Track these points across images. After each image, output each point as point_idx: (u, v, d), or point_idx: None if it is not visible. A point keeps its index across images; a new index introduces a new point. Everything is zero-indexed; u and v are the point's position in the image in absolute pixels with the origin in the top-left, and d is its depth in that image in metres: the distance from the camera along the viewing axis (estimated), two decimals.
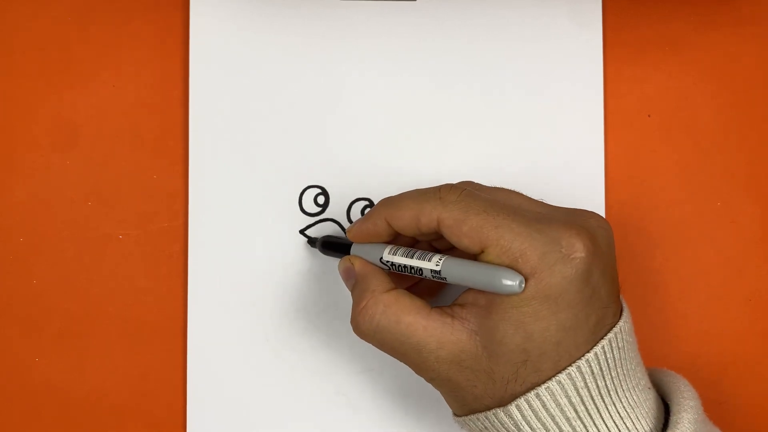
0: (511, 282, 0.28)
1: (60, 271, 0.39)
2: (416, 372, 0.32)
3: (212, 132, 0.39)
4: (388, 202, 0.33)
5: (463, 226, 0.30)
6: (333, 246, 0.36)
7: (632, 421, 0.30)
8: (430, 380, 0.32)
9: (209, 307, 0.38)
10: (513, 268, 0.29)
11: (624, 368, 0.30)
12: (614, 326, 0.30)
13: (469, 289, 0.31)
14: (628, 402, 0.30)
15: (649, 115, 0.39)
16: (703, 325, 0.39)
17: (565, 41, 0.39)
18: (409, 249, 0.32)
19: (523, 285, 0.28)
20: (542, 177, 0.38)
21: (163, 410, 0.39)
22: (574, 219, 0.30)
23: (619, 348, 0.30)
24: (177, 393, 0.39)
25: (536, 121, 0.39)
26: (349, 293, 0.34)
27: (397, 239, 0.34)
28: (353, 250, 0.35)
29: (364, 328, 0.32)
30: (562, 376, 0.29)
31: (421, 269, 0.31)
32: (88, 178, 0.39)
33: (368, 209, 0.39)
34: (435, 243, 0.35)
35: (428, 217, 0.31)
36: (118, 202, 0.39)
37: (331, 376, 0.38)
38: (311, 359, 0.38)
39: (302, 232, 0.39)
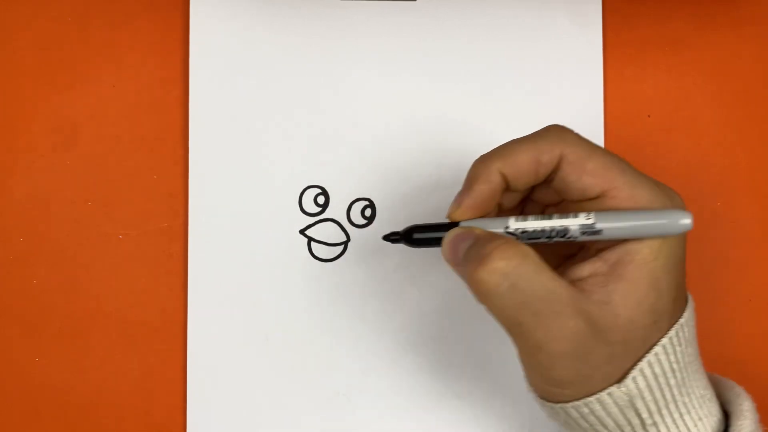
0: (687, 220, 0.27)
1: (60, 271, 0.39)
2: (538, 350, 0.27)
3: (212, 132, 0.39)
4: (494, 154, 0.29)
5: (588, 163, 0.28)
6: (429, 232, 0.31)
7: (711, 390, 0.30)
8: (556, 359, 0.27)
9: (209, 307, 0.38)
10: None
11: (694, 346, 0.30)
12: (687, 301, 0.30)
13: (580, 262, 0.28)
14: (702, 372, 0.30)
15: (649, 115, 0.39)
16: (703, 326, 0.39)
17: (565, 41, 0.39)
18: (535, 216, 0.29)
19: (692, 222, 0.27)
20: None
21: (163, 410, 0.39)
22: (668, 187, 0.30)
23: (692, 325, 0.30)
24: (177, 393, 0.39)
25: (536, 121, 0.38)
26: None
27: (499, 211, 0.31)
28: (464, 225, 0.30)
29: (501, 271, 0.27)
30: (670, 334, 0.28)
31: (566, 228, 0.28)
32: (88, 178, 0.39)
33: (368, 209, 0.39)
34: (531, 203, 0.32)
35: (549, 154, 0.28)
36: (118, 202, 0.39)
37: (331, 376, 0.38)
38: (311, 359, 0.38)
39: (302, 232, 0.39)
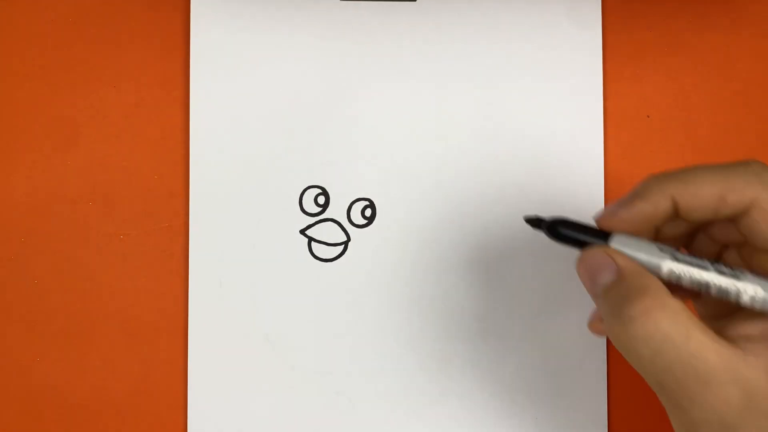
0: None
1: (60, 271, 0.39)
2: (683, 414, 0.25)
3: (212, 132, 0.39)
4: (672, 176, 0.26)
5: None
6: (575, 230, 0.28)
7: None
8: (702, 427, 0.24)
9: (209, 307, 0.38)
10: None
11: None
12: None
13: (751, 319, 0.25)
14: None
15: (648, 116, 0.39)
16: None
17: (565, 41, 0.39)
18: (701, 259, 0.26)
19: None
20: (542, 177, 0.39)
21: (163, 410, 0.39)
22: None
23: None
24: (177, 393, 0.39)
25: (536, 121, 0.39)
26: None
27: (658, 234, 0.28)
28: (615, 242, 0.27)
29: (644, 333, 0.24)
30: None
31: (737, 291, 0.24)
32: (88, 178, 0.39)
33: (368, 209, 0.39)
34: (695, 241, 0.29)
35: (738, 196, 0.25)
36: (118, 202, 0.39)
37: (331, 376, 0.38)
38: (311, 359, 0.38)
39: (302, 232, 0.39)
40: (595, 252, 0.27)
